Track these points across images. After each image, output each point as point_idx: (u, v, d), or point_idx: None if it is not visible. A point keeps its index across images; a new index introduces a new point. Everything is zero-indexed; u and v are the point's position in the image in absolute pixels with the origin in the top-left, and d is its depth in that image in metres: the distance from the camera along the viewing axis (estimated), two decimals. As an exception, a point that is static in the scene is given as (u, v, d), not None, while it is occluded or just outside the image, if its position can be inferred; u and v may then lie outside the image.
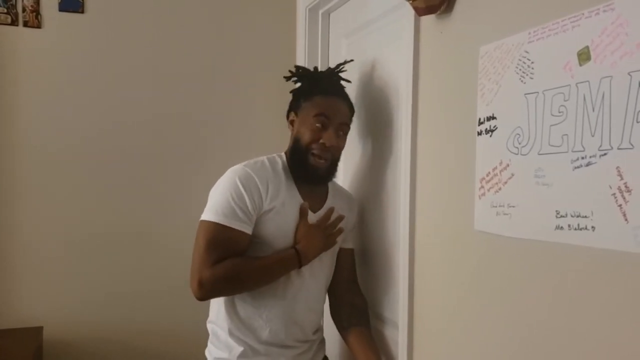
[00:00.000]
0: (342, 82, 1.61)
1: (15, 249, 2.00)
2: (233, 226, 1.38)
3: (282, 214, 1.45)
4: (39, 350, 1.91)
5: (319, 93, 1.51)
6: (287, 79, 1.63)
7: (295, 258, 1.44)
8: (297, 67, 1.65)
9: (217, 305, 1.51)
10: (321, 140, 1.47)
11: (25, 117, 1.98)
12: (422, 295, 1.36)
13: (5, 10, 1.91)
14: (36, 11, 1.95)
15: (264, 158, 1.52)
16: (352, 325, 1.57)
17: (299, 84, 1.62)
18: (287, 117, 1.59)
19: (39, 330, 1.98)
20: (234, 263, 1.38)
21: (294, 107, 1.56)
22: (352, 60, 1.66)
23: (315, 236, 1.47)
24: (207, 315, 1.56)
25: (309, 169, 1.49)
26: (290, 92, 1.61)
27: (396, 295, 1.48)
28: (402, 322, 1.42)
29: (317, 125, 1.47)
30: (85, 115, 2.05)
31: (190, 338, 2.05)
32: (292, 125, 1.55)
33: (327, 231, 1.51)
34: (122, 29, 2.08)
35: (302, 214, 1.48)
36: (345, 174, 1.89)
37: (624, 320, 0.82)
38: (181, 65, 2.16)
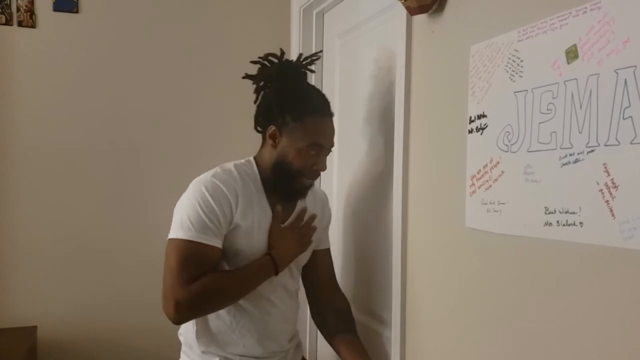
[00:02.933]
0: (308, 73, 1.52)
1: (9, 250, 2.01)
2: (205, 242, 1.31)
3: (252, 227, 1.38)
4: (33, 350, 1.91)
5: (310, 113, 1.40)
6: (254, 69, 1.50)
7: (270, 264, 1.38)
8: (266, 55, 1.51)
9: (191, 323, 1.44)
10: (315, 167, 1.42)
11: (19, 116, 1.99)
12: (414, 293, 1.37)
13: (0, 10, 1.92)
14: (30, 11, 1.96)
15: (232, 166, 1.42)
16: (339, 332, 1.52)
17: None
18: (263, 125, 1.45)
19: (33, 329, 1.99)
20: (210, 279, 1.31)
21: (276, 121, 1.40)
22: (321, 51, 1.63)
23: (289, 239, 1.43)
24: None
25: (295, 188, 1.44)
26: (258, 95, 1.49)
27: (389, 293, 1.49)
28: (395, 319, 1.43)
29: (312, 152, 1.40)
30: (78, 115, 2.06)
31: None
32: (273, 140, 1.41)
33: (300, 232, 1.46)
34: (116, 29, 2.09)
35: (275, 217, 1.42)
36: (340, 173, 1.90)
37: (613, 314, 0.83)
38: (175, 65, 2.17)
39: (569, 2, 0.90)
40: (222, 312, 1.41)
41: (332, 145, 1.46)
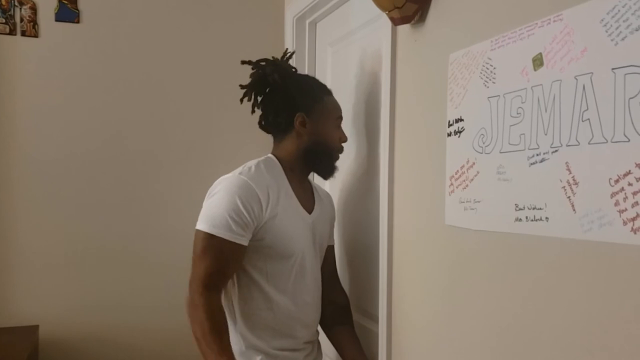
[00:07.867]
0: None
1: (11, 249, 2.05)
2: (226, 237, 1.37)
3: (285, 219, 1.45)
4: (34, 349, 1.95)
5: (324, 94, 1.58)
6: (250, 64, 1.63)
7: None
8: (258, 62, 1.63)
9: (230, 321, 1.47)
10: (342, 139, 1.59)
11: (22, 123, 2.05)
12: (400, 289, 1.43)
13: (4, 20, 1.98)
14: (33, 21, 2.02)
15: (259, 162, 1.50)
16: (335, 324, 1.62)
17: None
18: (281, 120, 1.53)
19: (34, 329, 2.02)
20: (216, 327, 1.36)
21: (301, 108, 1.51)
22: (294, 52, 1.72)
23: None
24: None
25: (334, 165, 1.58)
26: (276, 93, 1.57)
27: (377, 289, 1.54)
28: (382, 315, 1.48)
29: (336, 126, 1.57)
30: (80, 122, 2.11)
31: (185, 339, 2.08)
32: (303, 126, 1.52)
33: None
34: (115, 39, 2.16)
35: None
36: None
37: (576, 302, 0.90)
38: (173, 74, 2.23)
39: (535, 14, 0.97)
40: (264, 308, 1.47)
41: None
